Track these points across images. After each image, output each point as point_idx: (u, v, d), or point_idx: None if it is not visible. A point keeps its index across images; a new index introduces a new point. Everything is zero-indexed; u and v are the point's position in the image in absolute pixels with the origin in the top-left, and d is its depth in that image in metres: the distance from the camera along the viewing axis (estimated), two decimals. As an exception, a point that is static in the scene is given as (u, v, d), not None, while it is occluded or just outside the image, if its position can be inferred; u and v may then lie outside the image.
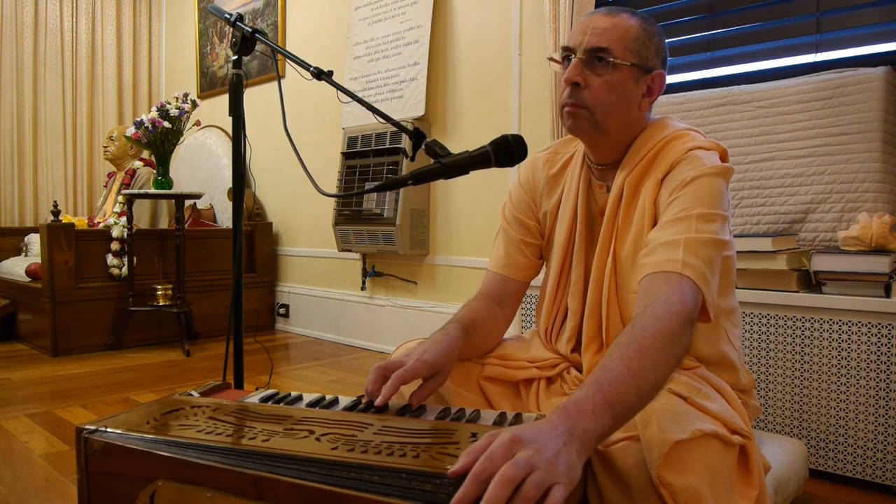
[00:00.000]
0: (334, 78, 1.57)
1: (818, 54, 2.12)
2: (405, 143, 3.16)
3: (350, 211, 3.38)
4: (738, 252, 1.50)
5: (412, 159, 1.52)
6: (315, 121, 3.90)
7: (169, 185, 3.52)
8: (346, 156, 3.44)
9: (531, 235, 1.31)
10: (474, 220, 3.13)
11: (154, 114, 3.36)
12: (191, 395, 1.05)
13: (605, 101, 1.10)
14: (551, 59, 1.21)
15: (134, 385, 2.76)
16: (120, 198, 3.65)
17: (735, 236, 1.62)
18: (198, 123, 3.71)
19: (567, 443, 0.70)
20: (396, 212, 3.17)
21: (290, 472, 0.74)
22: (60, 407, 2.43)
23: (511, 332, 1.34)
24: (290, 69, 3.94)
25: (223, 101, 4.43)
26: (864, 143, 1.87)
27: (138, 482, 0.82)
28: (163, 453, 0.81)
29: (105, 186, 4.40)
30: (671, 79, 2.46)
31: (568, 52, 1.13)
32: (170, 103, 3.41)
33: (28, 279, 3.68)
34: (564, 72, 1.13)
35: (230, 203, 3.80)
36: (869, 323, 1.65)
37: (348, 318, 3.72)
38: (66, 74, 4.91)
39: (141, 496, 0.81)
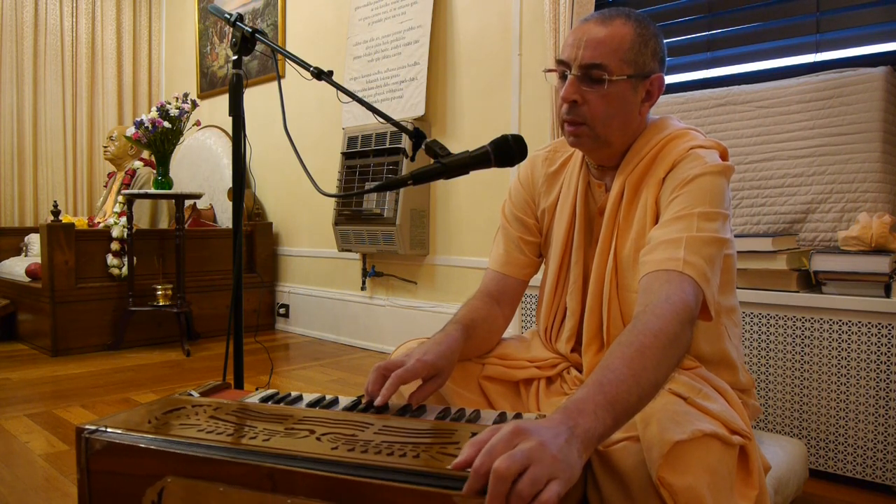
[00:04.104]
0: (334, 78, 1.57)
1: (818, 54, 2.12)
2: (405, 143, 3.16)
3: (350, 211, 3.38)
4: (738, 252, 1.50)
5: (412, 159, 1.52)
6: (315, 121, 3.90)
7: (169, 185, 3.52)
8: (346, 156, 3.44)
9: (530, 233, 1.31)
10: (474, 220, 3.13)
11: (154, 114, 3.36)
12: (191, 394, 1.05)
13: (605, 115, 1.10)
14: (548, 70, 1.20)
15: (134, 385, 2.76)
16: (120, 198, 3.65)
17: (735, 236, 1.62)
18: (198, 123, 3.71)
19: (568, 440, 0.70)
20: (396, 212, 3.17)
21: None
22: (60, 407, 2.43)
23: (511, 331, 1.34)
24: (290, 69, 3.94)
25: (223, 101, 4.43)
26: (864, 143, 1.87)
27: (144, 480, 0.82)
28: (173, 450, 0.81)
29: (105, 186, 4.40)
30: (671, 79, 2.46)
31: (563, 66, 1.13)
32: (170, 103, 3.41)
33: (28, 279, 3.68)
34: (560, 85, 1.12)
35: (230, 203, 3.80)
36: (869, 323, 1.65)
37: (348, 318, 3.72)
38: (66, 74, 4.91)
39: (148, 493, 0.81)
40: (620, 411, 0.78)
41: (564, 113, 1.12)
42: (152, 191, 3.53)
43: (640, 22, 1.12)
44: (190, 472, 0.79)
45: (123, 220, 3.52)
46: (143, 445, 0.83)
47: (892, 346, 1.62)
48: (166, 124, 3.36)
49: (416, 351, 1.05)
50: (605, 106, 1.09)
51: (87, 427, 0.87)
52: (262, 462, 0.75)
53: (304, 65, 1.56)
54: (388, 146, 3.24)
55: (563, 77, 1.13)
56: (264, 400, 1.02)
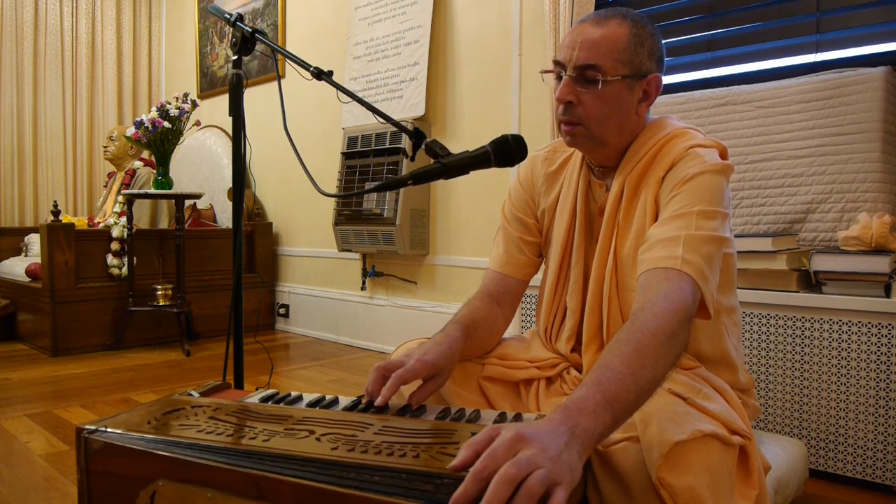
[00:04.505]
0: (334, 78, 1.57)
1: (818, 54, 2.12)
2: (405, 143, 3.16)
3: (350, 211, 3.38)
4: (738, 252, 1.50)
5: (412, 159, 1.52)
6: (315, 121, 3.90)
7: (169, 185, 3.52)
8: (346, 156, 3.44)
9: (530, 233, 1.31)
10: (474, 220, 3.13)
11: (154, 114, 3.36)
12: (191, 395, 1.05)
13: (600, 115, 1.10)
14: (544, 71, 1.20)
15: (134, 385, 2.76)
16: (120, 198, 3.65)
17: (735, 236, 1.62)
18: (198, 123, 3.71)
19: (569, 443, 0.70)
20: (396, 212, 3.17)
21: (291, 472, 0.74)
22: (60, 407, 2.43)
23: (511, 331, 1.34)
24: (290, 69, 3.93)
25: (223, 101, 4.43)
26: (864, 143, 1.87)
27: (138, 482, 0.82)
28: (163, 453, 0.81)
29: (105, 186, 4.40)
30: (671, 79, 2.46)
31: (559, 67, 1.13)
32: (170, 103, 3.41)
33: (28, 279, 3.68)
34: (557, 86, 1.13)
35: (230, 203, 3.80)
36: (869, 323, 1.65)
37: (348, 318, 3.72)
38: (66, 74, 4.91)
39: (141, 496, 0.81)
40: (619, 410, 0.77)
41: (560, 114, 1.13)
42: (152, 191, 3.53)
43: (637, 22, 1.12)
44: (180, 476, 0.79)
45: (123, 220, 3.52)
46: (137, 447, 0.82)
47: (892, 346, 1.62)
48: (166, 124, 3.36)
49: (417, 351, 1.05)
50: (600, 106, 1.09)
51: (86, 427, 0.87)
52: (248, 469, 0.75)
53: (304, 65, 1.56)
54: (388, 146, 3.24)
55: (559, 78, 1.13)
56: (264, 400, 1.02)
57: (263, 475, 0.74)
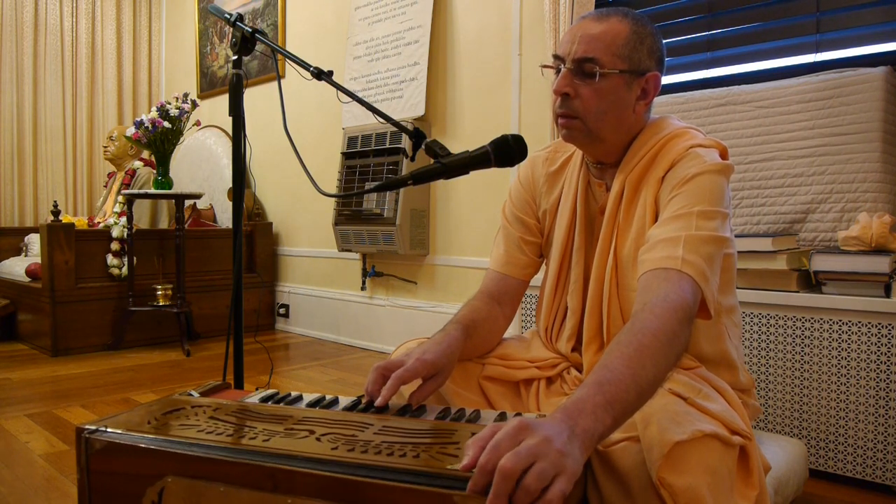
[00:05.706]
0: (334, 78, 1.57)
1: (818, 54, 2.12)
2: (405, 143, 3.16)
3: (350, 211, 3.38)
4: (738, 252, 1.50)
5: (412, 159, 1.52)
6: (315, 121, 3.90)
7: (169, 185, 3.52)
8: (346, 156, 3.44)
9: (531, 234, 1.31)
10: (474, 220, 3.13)
11: (154, 114, 3.36)
12: (191, 395, 1.05)
13: (597, 110, 1.10)
14: (544, 66, 1.21)
15: (134, 385, 2.76)
16: (120, 198, 3.65)
17: (735, 236, 1.62)
18: (198, 123, 3.71)
19: (570, 438, 0.70)
20: (396, 212, 3.17)
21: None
22: (60, 407, 2.43)
23: (511, 331, 1.34)
24: (290, 69, 3.94)
25: (223, 101, 4.43)
26: (864, 143, 1.87)
27: (144, 480, 0.81)
28: (172, 450, 0.81)
29: (105, 186, 4.40)
30: (671, 79, 2.46)
31: (558, 61, 1.13)
32: (170, 103, 3.41)
33: (28, 279, 3.68)
34: (555, 81, 1.13)
35: (230, 203, 3.80)
36: (869, 323, 1.65)
37: (348, 318, 3.72)
38: (66, 74, 4.91)
39: (148, 493, 0.81)
40: (619, 411, 0.78)
41: (557, 106, 1.13)
42: (152, 191, 3.53)
43: (637, 20, 1.12)
44: (190, 471, 0.79)
45: (123, 220, 3.52)
46: (143, 445, 0.82)
47: (892, 346, 1.62)
48: (166, 124, 3.36)
49: (416, 350, 1.05)
50: (597, 100, 1.09)
51: (87, 427, 0.87)
52: (263, 462, 0.75)
53: (304, 65, 1.56)
54: (388, 146, 3.24)
55: (558, 72, 1.13)
56: (264, 400, 1.02)
57: (279, 467, 0.74)
